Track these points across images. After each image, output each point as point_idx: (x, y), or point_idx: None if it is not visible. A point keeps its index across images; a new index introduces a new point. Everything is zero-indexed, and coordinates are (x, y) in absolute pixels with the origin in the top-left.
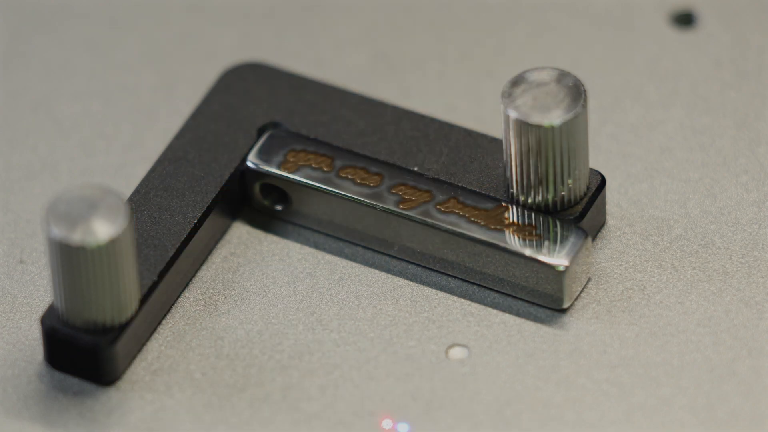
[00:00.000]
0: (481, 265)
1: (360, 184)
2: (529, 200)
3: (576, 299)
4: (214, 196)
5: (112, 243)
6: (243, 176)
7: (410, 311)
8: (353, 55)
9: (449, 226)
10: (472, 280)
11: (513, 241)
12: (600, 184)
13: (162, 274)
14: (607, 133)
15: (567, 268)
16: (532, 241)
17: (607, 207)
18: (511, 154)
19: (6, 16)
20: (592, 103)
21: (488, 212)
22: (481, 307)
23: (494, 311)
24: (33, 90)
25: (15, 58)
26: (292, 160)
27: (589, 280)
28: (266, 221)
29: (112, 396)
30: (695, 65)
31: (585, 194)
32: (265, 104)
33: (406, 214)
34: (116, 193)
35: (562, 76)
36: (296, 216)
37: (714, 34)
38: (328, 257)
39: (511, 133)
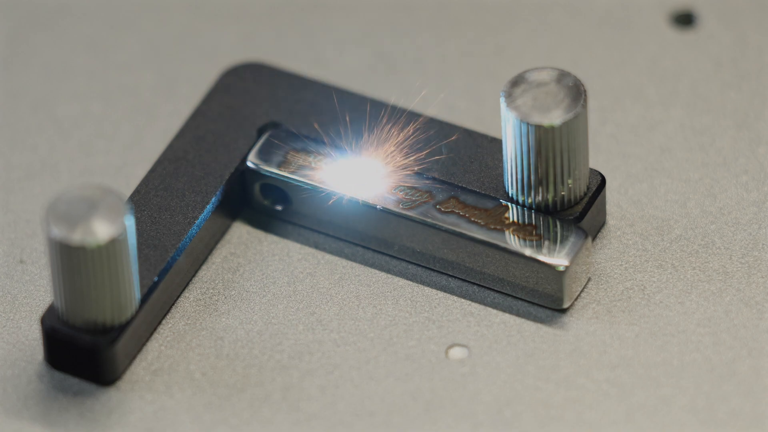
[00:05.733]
0: (481, 265)
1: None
2: (529, 200)
3: (576, 299)
4: (214, 196)
5: (112, 243)
6: (243, 176)
7: (410, 311)
8: (353, 55)
9: (449, 226)
10: (472, 280)
11: (513, 241)
12: (600, 184)
13: (162, 274)
14: (607, 133)
15: (567, 268)
16: (532, 241)
17: (607, 207)
18: (511, 154)
19: (6, 16)
20: (592, 103)
21: (488, 212)
22: (481, 307)
23: (494, 311)
24: (33, 90)
25: (15, 58)
26: (292, 160)
27: (589, 280)
28: (266, 221)
29: (112, 396)
30: (695, 65)
31: (585, 194)
32: (265, 104)
33: (406, 214)
34: (116, 193)
35: (562, 76)
36: (296, 216)
37: (714, 34)
38: (328, 257)
39: (511, 133)
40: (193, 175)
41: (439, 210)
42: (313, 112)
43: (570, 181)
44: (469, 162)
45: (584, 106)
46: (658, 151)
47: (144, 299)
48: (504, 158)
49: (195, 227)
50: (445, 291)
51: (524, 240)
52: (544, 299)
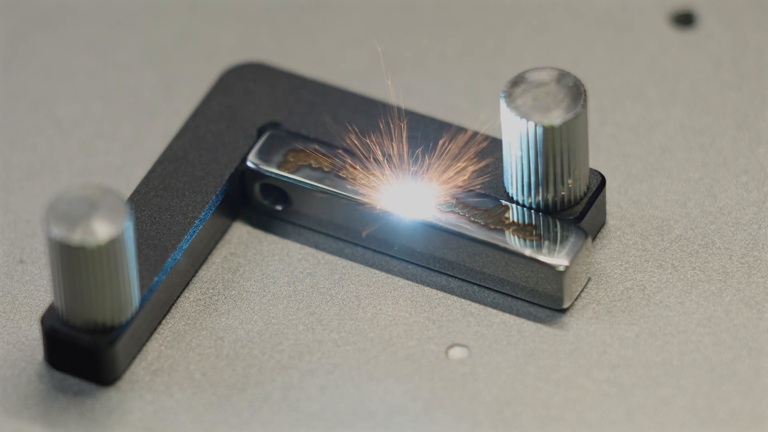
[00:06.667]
0: (481, 265)
1: (360, 184)
2: (529, 200)
3: (576, 299)
4: (214, 196)
5: (112, 243)
6: (243, 176)
7: (410, 311)
8: (353, 55)
9: (449, 226)
10: (472, 280)
11: (513, 241)
12: (600, 184)
13: (162, 274)
14: (607, 133)
15: (567, 268)
16: (532, 241)
17: (607, 207)
18: (511, 154)
19: (6, 16)
20: (592, 103)
21: (488, 212)
22: (481, 307)
23: (494, 311)
24: (33, 90)
25: (15, 58)
26: (292, 160)
27: (589, 280)
28: (266, 221)
29: (112, 396)
30: (695, 65)
31: (585, 194)
32: (265, 104)
33: (407, 214)
34: (116, 193)
35: (562, 76)
36: (296, 216)
37: (714, 34)
38: (328, 257)
39: (511, 133)
40: (193, 175)
41: (439, 210)
42: (313, 112)
43: (570, 181)
44: (469, 162)
45: (584, 106)
46: (658, 151)
47: (144, 299)
48: (504, 158)
49: (195, 227)
50: (445, 291)
51: (524, 240)
52: (544, 299)
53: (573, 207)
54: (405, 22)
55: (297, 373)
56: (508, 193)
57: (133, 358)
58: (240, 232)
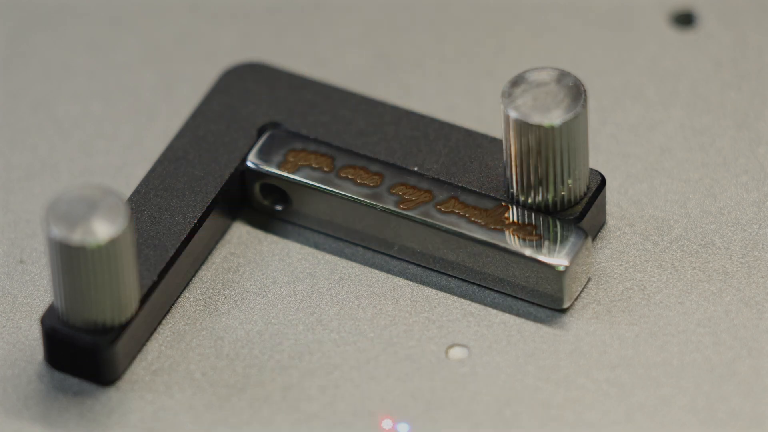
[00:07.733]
0: (481, 265)
1: (360, 184)
2: (529, 200)
3: (576, 299)
4: (214, 196)
5: (112, 243)
6: (243, 176)
7: (410, 311)
8: (353, 55)
9: (449, 226)
10: (472, 280)
11: (513, 241)
12: (600, 184)
13: (162, 274)
14: (607, 133)
15: (567, 268)
16: (532, 241)
17: (607, 207)
18: (511, 154)
19: (6, 16)
20: (592, 103)
21: (488, 212)
22: (481, 307)
23: (494, 311)
24: (33, 90)
25: (15, 58)
26: (292, 160)
27: (589, 280)
28: (266, 221)
29: (112, 396)
30: (695, 65)
31: (585, 194)
32: (265, 104)
33: (406, 214)
34: (116, 193)
35: (562, 76)
36: (296, 216)
37: (714, 34)
38: (328, 257)
39: (511, 133)
40: (193, 175)
41: (439, 210)
42: (313, 112)
43: (570, 181)
44: (469, 162)
45: (584, 106)
46: (658, 151)
47: (144, 299)
48: (504, 158)
49: (195, 227)
50: (445, 291)
51: (524, 240)
52: (544, 299)
53: (573, 207)
54: (405, 22)
55: (297, 373)
56: (508, 193)
57: (133, 358)
58: (240, 232)
